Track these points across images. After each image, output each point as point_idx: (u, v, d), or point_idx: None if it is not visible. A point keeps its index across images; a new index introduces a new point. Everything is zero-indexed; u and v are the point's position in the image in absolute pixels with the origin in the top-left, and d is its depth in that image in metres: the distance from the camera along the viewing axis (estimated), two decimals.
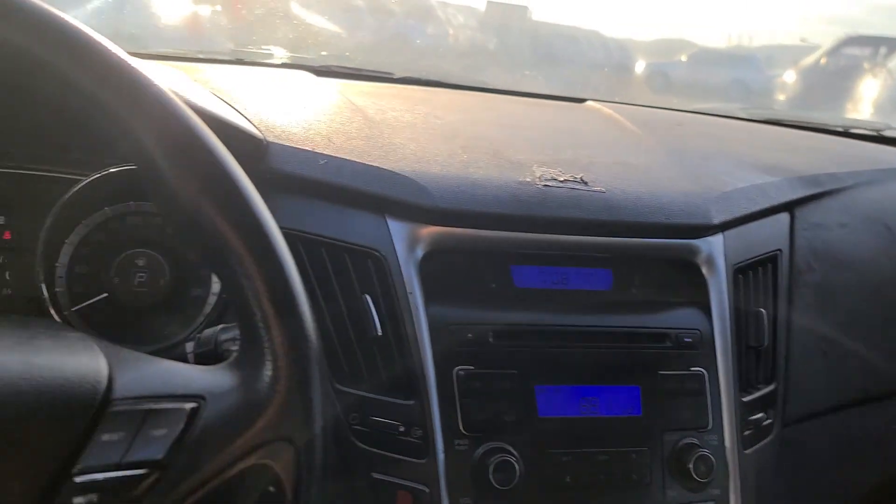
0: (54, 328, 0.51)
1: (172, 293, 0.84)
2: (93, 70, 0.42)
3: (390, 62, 1.47)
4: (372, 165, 0.78)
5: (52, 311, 0.80)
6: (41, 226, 0.80)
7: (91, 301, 0.81)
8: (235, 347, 0.58)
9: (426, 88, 1.30)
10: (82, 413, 0.42)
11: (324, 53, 1.52)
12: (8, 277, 0.82)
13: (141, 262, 0.83)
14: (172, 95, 0.44)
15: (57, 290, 0.81)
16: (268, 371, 0.46)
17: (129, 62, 0.43)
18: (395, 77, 1.32)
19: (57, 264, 0.81)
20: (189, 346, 0.60)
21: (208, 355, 0.58)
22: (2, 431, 0.40)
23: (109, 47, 0.43)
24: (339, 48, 1.57)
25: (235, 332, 0.57)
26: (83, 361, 0.44)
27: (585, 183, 0.82)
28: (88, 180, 0.79)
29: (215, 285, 0.85)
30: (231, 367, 0.47)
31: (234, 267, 0.45)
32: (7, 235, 0.82)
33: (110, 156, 0.79)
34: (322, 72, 1.17)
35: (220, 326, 0.59)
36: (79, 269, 0.83)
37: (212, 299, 0.85)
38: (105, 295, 0.82)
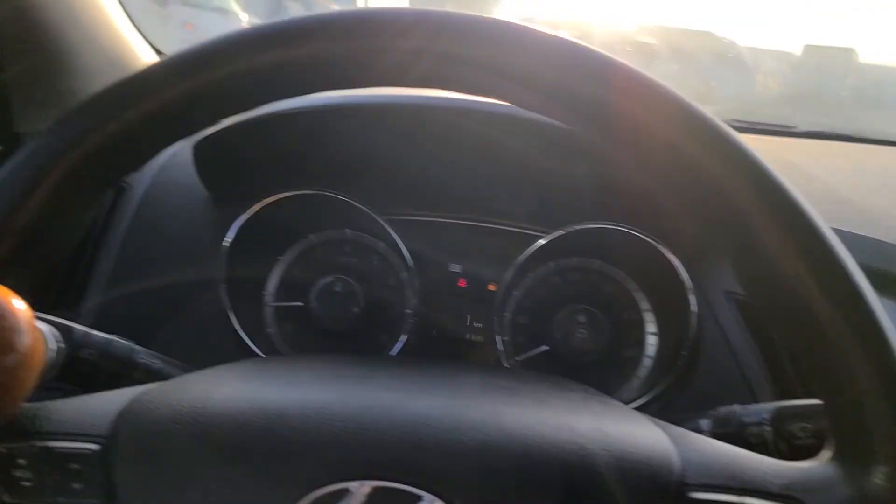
0: (591, 392, 0.50)
1: (608, 352, 0.83)
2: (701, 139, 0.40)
3: (781, 115, 1.37)
4: (864, 235, 0.70)
5: (504, 360, 0.83)
6: (496, 277, 0.84)
7: (534, 352, 0.84)
8: (762, 431, 0.53)
9: (836, 143, 1.17)
10: (661, 497, 0.40)
11: (715, 107, 1.47)
12: (467, 324, 0.87)
13: (581, 319, 0.84)
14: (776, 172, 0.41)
15: (504, 338, 0.84)
16: (880, 476, 0.40)
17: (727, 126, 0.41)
18: (797, 131, 1.22)
19: (505, 314, 0.85)
20: (704, 423, 0.56)
21: (727, 436, 0.53)
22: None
23: (703, 110, 0.41)
24: (741, 102, 1.51)
25: (762, 416, 0.53)
26: (650, 437, 0.42)
27: None
28: (552, 237, 0.81)
29: (650, 347, 0.83)
30: (828, 462, 0.42)
31: (839, 360, 0.40)
32: (462, 283, 0.88)
33: (571, 213, 0.81)
34: (737, 128, 1.11)
35: (738, 406, 0.55)
36: (521, 319, 0.86)
37: (646, 362, 0.83)
38: (546, 348, 0.84)
